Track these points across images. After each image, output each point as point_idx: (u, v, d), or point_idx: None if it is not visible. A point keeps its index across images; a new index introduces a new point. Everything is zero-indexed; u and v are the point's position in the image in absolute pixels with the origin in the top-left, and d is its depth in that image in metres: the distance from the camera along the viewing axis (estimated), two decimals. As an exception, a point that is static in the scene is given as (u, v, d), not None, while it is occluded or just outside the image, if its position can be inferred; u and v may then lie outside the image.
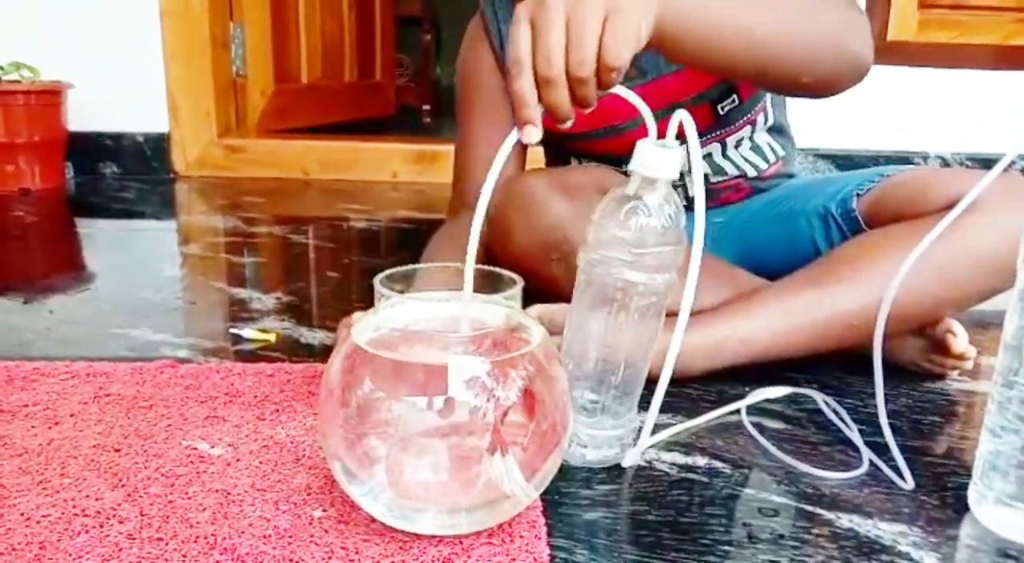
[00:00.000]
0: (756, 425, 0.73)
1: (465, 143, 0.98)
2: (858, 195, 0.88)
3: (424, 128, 2.91)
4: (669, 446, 0.69)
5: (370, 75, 2.73)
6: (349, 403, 0.51)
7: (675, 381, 0.78)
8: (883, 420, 0.65)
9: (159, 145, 2.00)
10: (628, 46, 0.53)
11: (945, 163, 2.11)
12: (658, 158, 0.54)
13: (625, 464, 0.65)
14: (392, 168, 1.96)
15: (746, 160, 1.00)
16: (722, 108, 0.96)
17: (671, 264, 0.57)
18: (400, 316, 0.55)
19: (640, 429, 0.65)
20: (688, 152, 0.56)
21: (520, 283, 0.55)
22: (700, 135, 0.96)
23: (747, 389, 0.79)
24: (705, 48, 0.64)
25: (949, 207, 0.72)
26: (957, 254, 0.75)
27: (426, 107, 2.94)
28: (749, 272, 0.91)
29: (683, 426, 0.72)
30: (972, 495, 0.60)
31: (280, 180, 1.98)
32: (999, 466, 0.57)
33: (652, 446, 0.68)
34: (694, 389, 0.80)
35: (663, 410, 0.74)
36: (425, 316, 0.56)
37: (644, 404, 0.65)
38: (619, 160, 0.94)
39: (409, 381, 0.51)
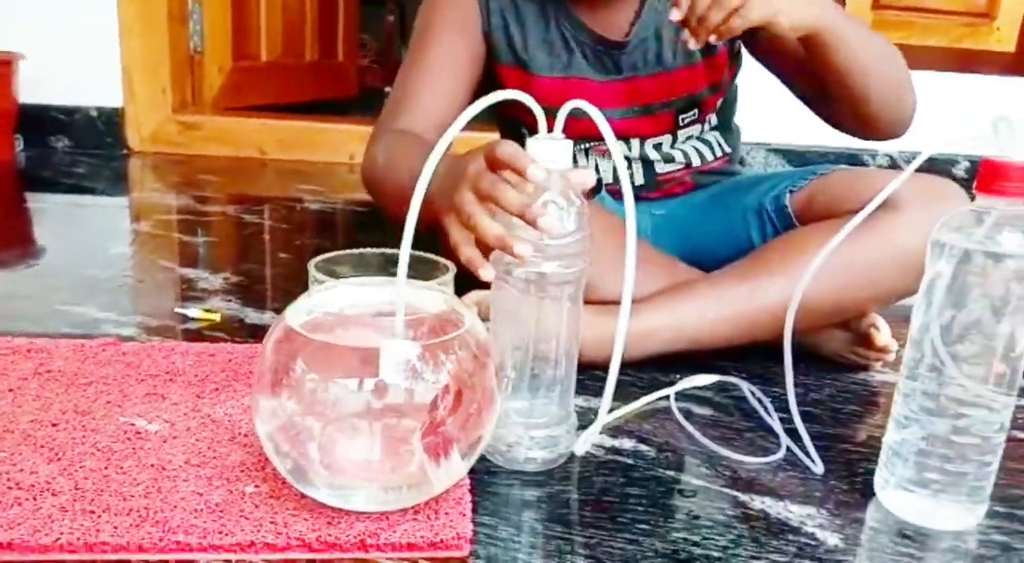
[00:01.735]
0: (684, 411, 0.76)
1: (420, 67, 0.94)
2: (791, 192, 0.91)
3: (386, 110, 2.90)
4: (601, 428, 0.71)
5: (332, 55, 2.71)
6: (282, 385, 0.53)
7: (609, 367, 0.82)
8: (793, 408, 0.68)
9: (112, 120, 1.97)
10: None
11: (893, 161, 2.17)
12: (549, 151, 0.57)
13: (578, 452, 0.67)
14: (350, 150, 1.96)
15: (695, 149, 1.04)
16: (683, 119, 1.00)
17: (581, 251, 0.59)
18: (336, 300, 0.56)
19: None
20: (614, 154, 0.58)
21: (452, 269, 0.57)
22: (658, 134, 0.99)
23: (678, 376, 0.82)
24: (844, 55, 0.82)
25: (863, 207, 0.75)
26: (880, 252, 0.78)
27: (388, 89, 2.92)
28: (687, 264, 0.94)
29: (616, 414, 0.74)
30: (878, 480, 0.63)
31: (236, 159, 1.96)
32: (901, 453, 0.60)
33: (580, 429, 0.70)
34: (627, 375, 0.82)
35: (598, 395, 0.77)
36: (361, 300, 0.57)
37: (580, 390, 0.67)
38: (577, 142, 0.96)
39: (341, 364, 0.53)
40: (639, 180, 1.02)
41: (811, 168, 0.94)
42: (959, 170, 2.19)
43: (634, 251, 0.60)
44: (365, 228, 1.45)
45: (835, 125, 1.01)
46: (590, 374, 0.79)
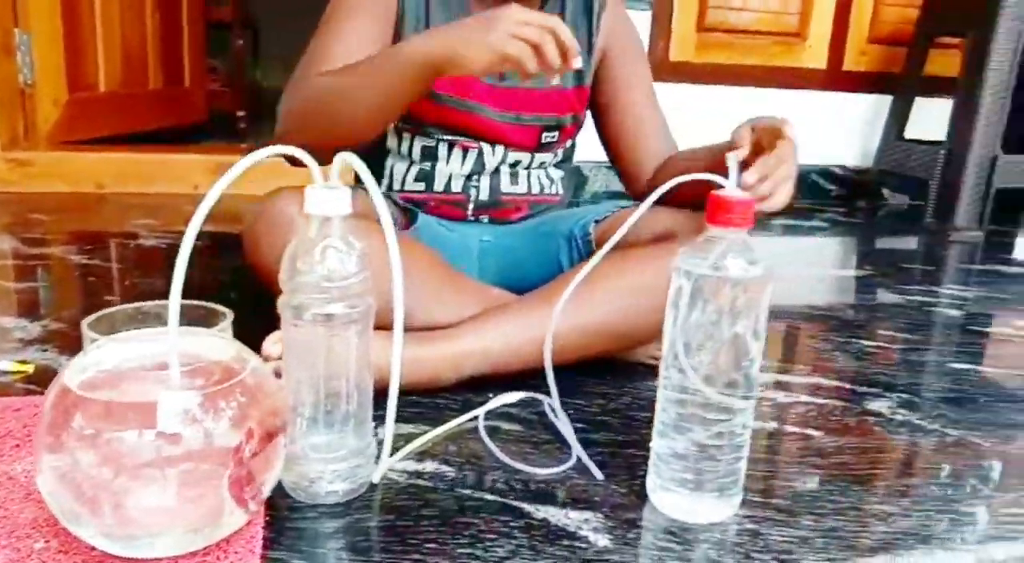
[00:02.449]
0: (493, 429, 0.81)
1: (337, 34, 0.95)
2: (596, 222, 0.99)
3: (239, 134, 2.87)
4: (404, 455, 0.75)
5: (178, 81, 2.66)
6: (64, 444, 0.54)
7: (426, 391, 0.86)
8: (563, 421, 0.74)
9: (-66, 158, 1.87)
10: None
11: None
12: (328, 199, 0.60)
13: (375, 480, 0.70)
14: (194, 180, 1.93)
15: (539, 179, 1.11)
16: (545, 137, 1.07)
17: (364, 290, 0.63)
18: (114, 356, 0.58)
19: (382, 442, 0.71)
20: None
21: (230, 316, 0.59)
22: (520, 149, 1.06)
23: (491, 396, 0.87)
24: None
25: (653, 240, 0.84)
26: (659, 279, 0.86)
27: (241, 113, 2.89)
28: (504, 287, 1.00)
29: (426, 437, 0.78)
30: (649, 483, 0.70)
31: (72, 195, 1.90)
32: (663, 457, 0.67)
33: (391, 456, 0.73)
34: (443, 399, 0.87)
35: (410, 421, 0.82)
36: (142, 354, 0.59)
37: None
38: (443, 131, 1.03)
39: (122, 419, 0.55)
40: (484, 196, 1.07)
41: (618, 203, 1.03)
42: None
43: (401, 278, 0.64)
44: (201, 262, 1.44)
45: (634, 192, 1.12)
46: (406, 400, 0.83)
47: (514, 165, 1.08)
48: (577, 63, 0.78)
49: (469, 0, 1.01)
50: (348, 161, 0.62)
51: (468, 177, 1.06)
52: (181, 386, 0.55)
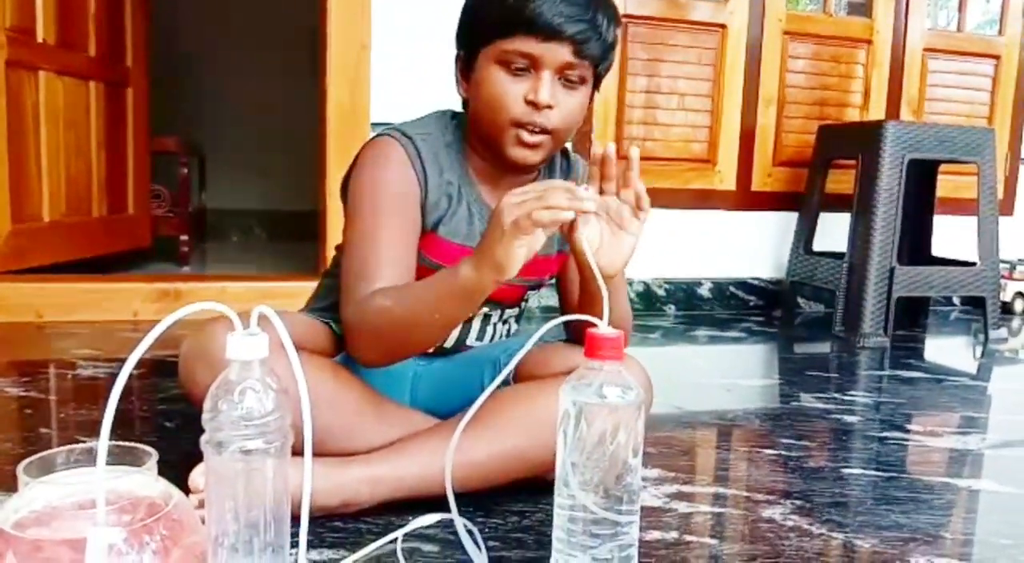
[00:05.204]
0: (412, 550, 0.86)
1: (375, 240, 1.01)
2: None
3: (181, 258, 2.94)
4: (323, 579, 0.80)
5: (122, 209, 2.73)
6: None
7: (350, 515, 0.91)
8: (471, 544, 0.80)
9: None
10: None
11: (648, 287, 2.46)
12: (248, 345, 0.68)
13: None
14: (133, 308, 1.98)
15: (502, 334, 1.19)
16: (527, 296, 1.18)
17: (281, 427, 0.70)
18: (46, 496, 0.63)
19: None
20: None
21: (155, 456, 0.65)
22: (504, 301, 1.14)
23: (410, 518, 0.93)
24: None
25: (564, 372, 0.92)
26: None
27: (184, 237, 2.97)
28: (434, 410, 1.07)
29: (346, 562, 0.83)
30: (550, 591, 0.76)
31: (9, 325, 1.93)
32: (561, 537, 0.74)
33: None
34: (363, 522, 0.92)
35: (332, 546, 0.87)
36: (74, 493, 0.64)
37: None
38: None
39: (56, 557, 0.60)
40: (448, 344, 1.14)
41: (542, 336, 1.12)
42: (703, 290, 2.51)
43: (309, 413, 0.70)
44: (139, 390, 1.48)
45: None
46: (329, 525, 0.88)
47: (487, 317, 1.15)
48: (588, 197, 0.82)
49: (470, 173, 1.09)
50: (267, 316, 0.69)
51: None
52: (108, 522, 0.60)
